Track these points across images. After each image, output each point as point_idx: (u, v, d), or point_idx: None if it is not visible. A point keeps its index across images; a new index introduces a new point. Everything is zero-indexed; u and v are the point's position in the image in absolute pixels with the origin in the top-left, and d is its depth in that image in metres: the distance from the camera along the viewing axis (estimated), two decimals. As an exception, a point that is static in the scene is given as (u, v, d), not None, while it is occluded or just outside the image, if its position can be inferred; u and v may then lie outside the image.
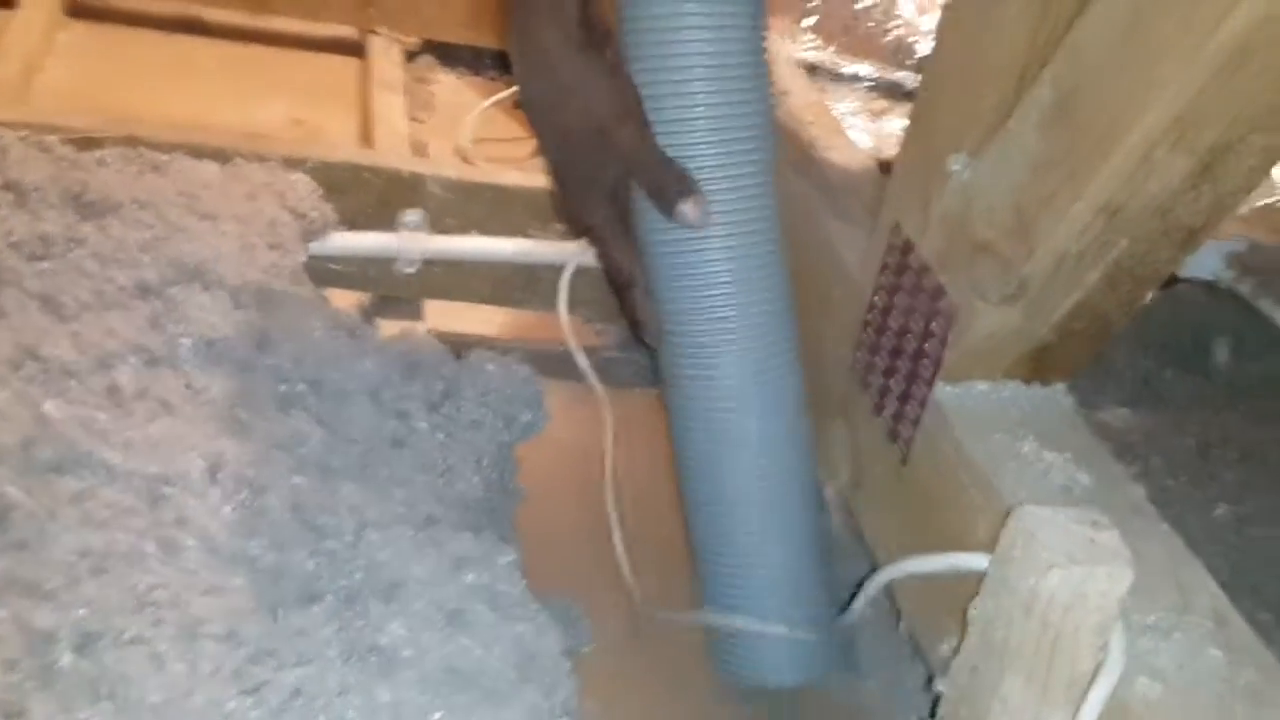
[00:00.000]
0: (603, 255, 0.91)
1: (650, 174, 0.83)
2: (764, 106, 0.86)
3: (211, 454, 0.83)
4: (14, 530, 0.75)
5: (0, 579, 0.72)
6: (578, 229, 0.92)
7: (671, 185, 0.83)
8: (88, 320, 0.92)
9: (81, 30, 1.69)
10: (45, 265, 0.96)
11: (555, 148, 0.86)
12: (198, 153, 1.18)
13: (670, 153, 0.83)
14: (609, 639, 0.96)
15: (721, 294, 0.86)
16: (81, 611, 0.71)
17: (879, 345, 0.85)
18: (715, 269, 0.86)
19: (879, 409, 0.85)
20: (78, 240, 0.98)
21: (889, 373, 0.84)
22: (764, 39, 0.86)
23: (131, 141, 1.16)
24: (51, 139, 1.13)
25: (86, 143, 1.15)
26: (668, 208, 0.83)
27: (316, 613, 0.76)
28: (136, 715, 0.68)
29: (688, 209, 0.82)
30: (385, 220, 1.25)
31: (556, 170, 0.88)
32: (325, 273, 1.22)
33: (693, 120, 0.83)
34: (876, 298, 0.85)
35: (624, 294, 0.90)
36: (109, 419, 0.84)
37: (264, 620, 0.74)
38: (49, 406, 0.82)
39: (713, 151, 0.83)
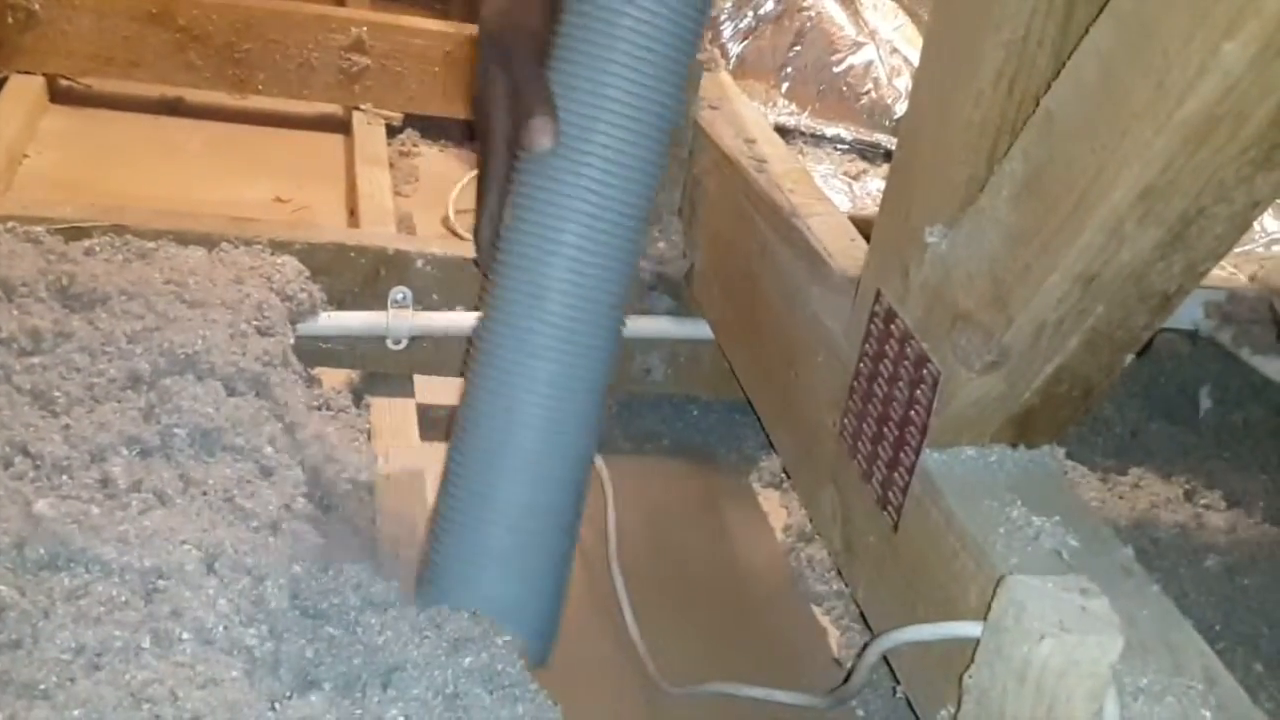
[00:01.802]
0: (480, 158, 0.93)
1: (522, 90, 0.85)
2: (663, 129, 0.88)
3: (208, 544, 0.83)
4: (7, 629, 0.75)
5: (-6, 679, 0.72)
6: (477, 126, 0.94)
7: (534, 100, 0.84)
8: (79, 414, 0.93)
9: (64, 115, 1.71)
10: (35, 360, 0.96)
11: (480, 47, 0.91)
12: (184, 239, 1.19)
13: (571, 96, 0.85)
14: (625, 714, 0.96)
15: (550, 257, 0.86)
16: (76, 712, 0.71)
17: (866, 412, 0.86)
18: (556, 230, 0.86)
19: (868, 476, 0.85)
20: (66, 334, 0.99)
21: (876, 439, 0.84)
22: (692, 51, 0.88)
23: (119, 230, 1.17)
24: (38, 230, 1.14)
25: (74, 232, 1.16)
26: (522, 118, 0.84)
27: (315, 701, 0.77)
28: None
29: (535, 124, 0.84)
30: (373, 298, 1.26)
31: (476, 71, 0.92)
32: (315, 351, 1.23)
33: (603, 89, 0.85)
34: (862, 364, 0.86)
35: (477, 203, 0.92)
36: (102, 513, 0.84)
37: (262, 712, 0.74)
38: (41, 505, 0.82)
39: (606, 121, 0.85)
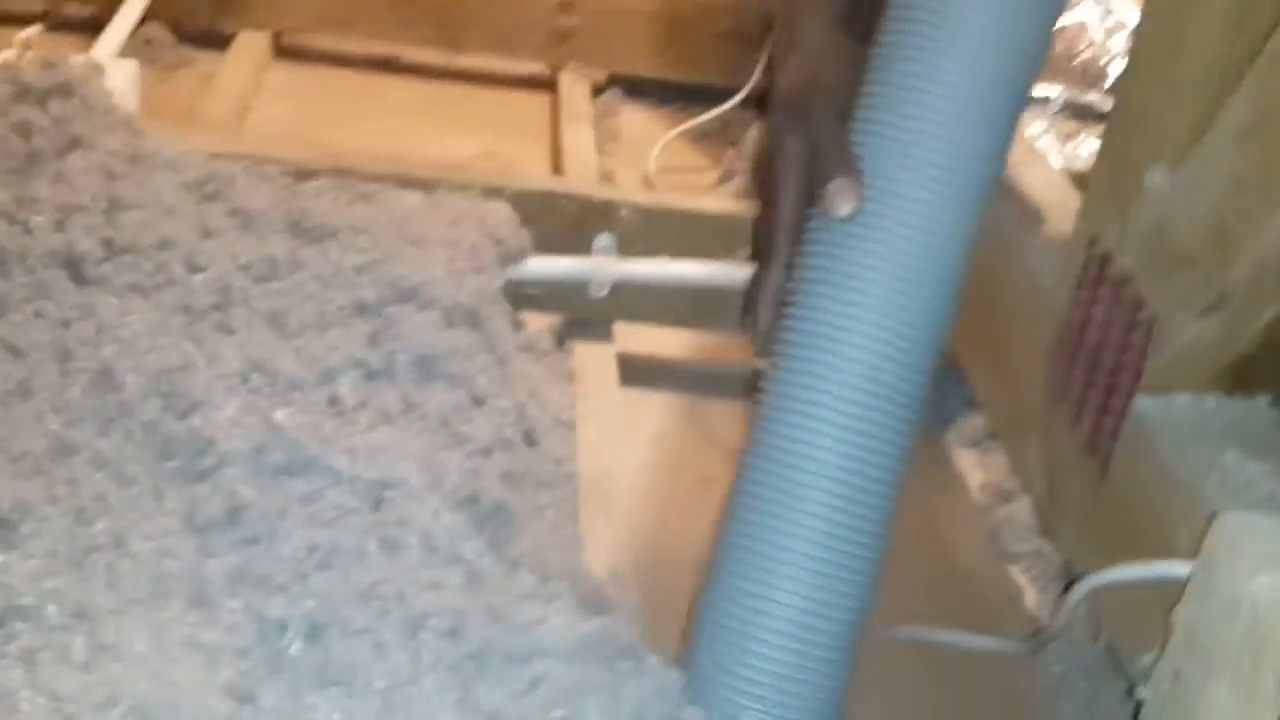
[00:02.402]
0: (759, 231, 0.84)
1: (822, 150, 0.78)
2: (983, 193, 0.76)
3: (430, 462, 0.88)
4: (246, 527, 0.80)
5: (233, 572, 0.77)
6: (759, 192, 0.85)
7: (832, 164, 0.76)
8: (310, 337, 0.98)
9: (287, 71, 1.79)
10: (271, 285, 1.02)
11: (773, 109, 0.85)
12: (403, 183, 1.24)
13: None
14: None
15: (844, 335, 0.73)
16: (310, 603, 0.76)
17: (1076, 359, 0.85)
18: (851, 304, 0.74)
19: (1076, 423, 0.85)
20: (300, 263, 1.05)
21: (1086, 386, 0.84)
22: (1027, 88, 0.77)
23: (343, 173, 1.23)
24: (271, 170, 1.20)
25: (302, 174, 1.22)
26: (819, 183, 0.76)
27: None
28: (362, 701, 0.72)
29: (834, 188, 0.74)
30: (577, 245, 1.29)
31: (765, 132, 0.86)
32: (520, 296, 1.27)
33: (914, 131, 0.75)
34: (1073, 312, 0.86)
35: (756, 281, 0.83)
36: (333, 427, 0.89)
37: (484, 619, 0.77)
38: (280, 415, 0.87)
39: (911, 176, 0.74)
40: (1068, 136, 1.66)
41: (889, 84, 0.76)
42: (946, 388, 1.29)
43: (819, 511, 0.73)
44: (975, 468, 1.22)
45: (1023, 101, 0.78)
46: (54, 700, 0.65)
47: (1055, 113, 1.71)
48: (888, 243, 0.74)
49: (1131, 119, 0.83)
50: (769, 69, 0.84)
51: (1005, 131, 0.77)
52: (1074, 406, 0.85)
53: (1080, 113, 1.72)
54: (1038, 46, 0.77)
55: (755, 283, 0.83)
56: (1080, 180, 0.93)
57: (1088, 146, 1.63)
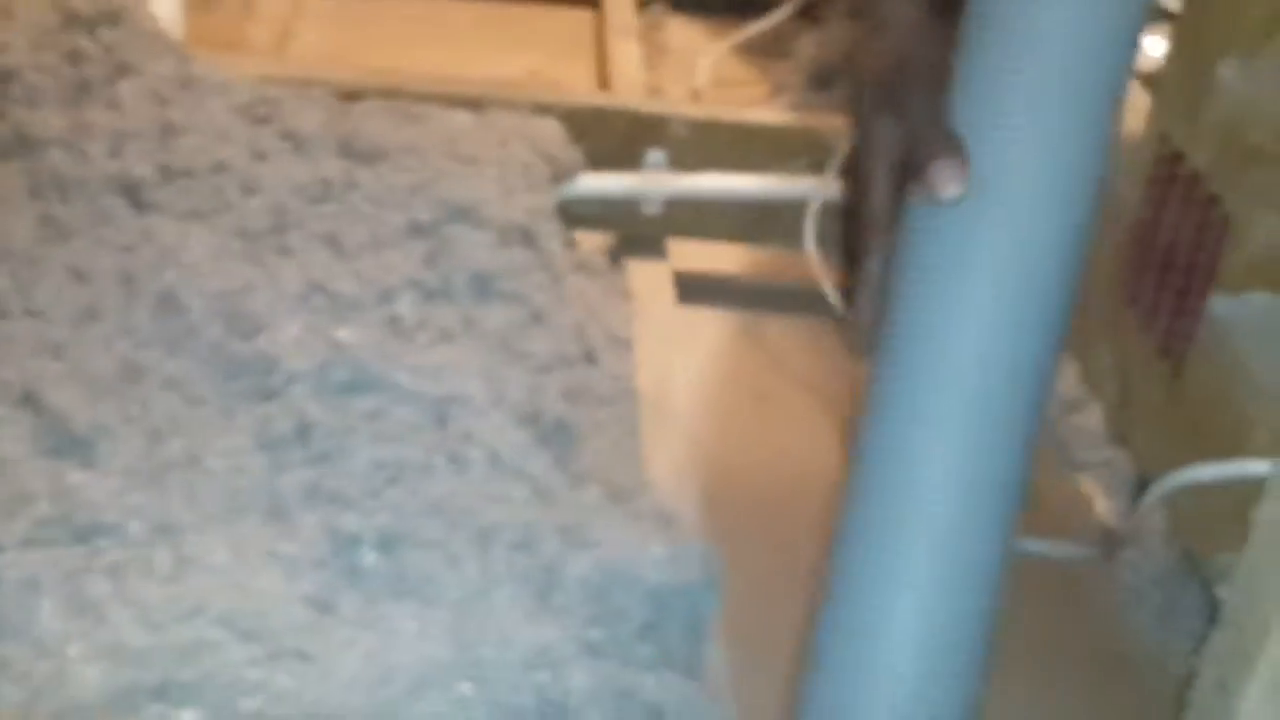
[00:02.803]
0: (849, 224, 0.78)
1: (920, 133, 0.71)
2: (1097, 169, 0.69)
3: (492, 379, 0.88)
4: (315, 444, 0.81)
5: (306, 487, 0.78)
6: (847, 186, 0.79)
7: (933, 145, 0.69)
8: (367, 257, 0.98)
9: (330, -6, 1.78)
10: (326, 208, 1.02)
11: (858, 96, 0.77)
12: (452, 102, 1.23)
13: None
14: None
15: (958, 324, 0.68)
16: (383, 518, 0.76)
17: (1147, 261, 0.84)
18: (962, 294, 0.68)
19: (1148, 325, 0.84)
20: (353, 184, 1.04)
21: (1159, 288, 0.83)
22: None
23: (391, 93, 1.22)
24: (319, 92, 1.20)
25: (350, 95, 1.21)
26: (919, 167, 0.69)
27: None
28: (437, 611, 0.72)
29: (937, 170, 0.68)
30: (628, 162, 1.28)
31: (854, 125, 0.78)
32: (572, 214, 1.26)
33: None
34: (1144, 212, 0.84)
35: (853, 276, 0.76)
36: (394, 346, 0.89)
37: (551, 531, 0.78)
38: (343, 333, 0.87)
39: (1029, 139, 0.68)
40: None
41: (986, 58, 0.69)
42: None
43: (939, 514, 0.68)
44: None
45: (1131, 65, 0.70)
46: (141, 610, 0.66)
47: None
48: (1000, 226, 0.68)
49: (1204, 14, 0.81)
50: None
51: (1115, 94, 0.69)
52: (1146, 309, 0.84)
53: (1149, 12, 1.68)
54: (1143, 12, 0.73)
55: (852, 279, 0.76)
56: (1148, 80, 0.91)
57: (1156, 47, 1.59)
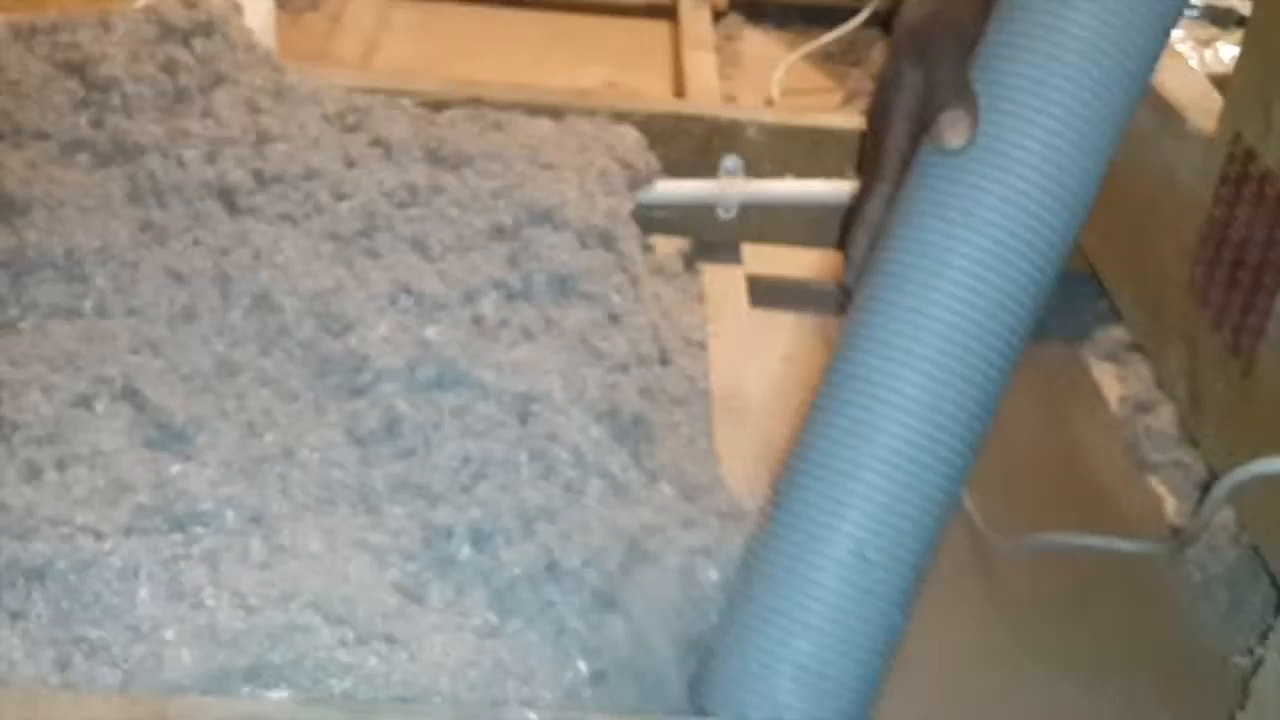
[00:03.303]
0: (864, 165, 0.82)
1: (939, 83, 0.75)
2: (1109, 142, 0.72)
3: (570, 377, 0.90)
4: (404, 439, 0.84)
5: (395, 480, 0.81)
6: (872, 122, 0.83)
7: (948, 96, 0.73)
8: (452, 259, 1.01)
9: (413, 8, 1.82)
10: (412, 211, 1.05)
11: (895, 41, 0.82)
12: (533, 110, 1.26)
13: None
14: (952, 566, 0.97)
15: (941, 271, 0.70)
16: (476, 512, 0.79)
17: (1219, 259, 0.85)
18: (949, 246, 0.70)
19: (1220, 323, 0.85)
20: (438, 189, 1.08)
21: (1230, 285, 0.83)
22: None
23: (475, 102, 1.25)
24: (405, 101, 1.23)
25: (436, 105, 1.25)
26: (933, 115, 0.73)
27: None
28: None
29: (946, 119, 0.71)
30: (703, 168, 1.30)
31: (884, 62, 0.84)
32: (649, 219, 1.28)
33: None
34: (1216, 210, 0.85)
35: (854, 215, 0.80)
36: (478, 344, 0.92)
37: (638, 532, 0.79)
38: (430, 332, 0.90)
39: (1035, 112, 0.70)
40: (1206, 42, 1.62)
41: (1016, 24, 0.73)
42: (1083, 300, 1.28)
43: (894, 445, 0.69)
44: (1113, 380, 1.21)
45: (1159, 52, 0.75)
46: (236, 595, 0.69)
47: (1194, 18, 1.67)
48: (997, 184, 0.70)
49: (1275, 13, 0.81)
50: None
51: (1140, 79, 0.73)
52: (1217, 306, 0.85)
53: (1219, 18, 1.68)
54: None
55: (854, 209, 0.80)
56: (1220, 82, 0.92)
57: (1226, 52, 1.59)
